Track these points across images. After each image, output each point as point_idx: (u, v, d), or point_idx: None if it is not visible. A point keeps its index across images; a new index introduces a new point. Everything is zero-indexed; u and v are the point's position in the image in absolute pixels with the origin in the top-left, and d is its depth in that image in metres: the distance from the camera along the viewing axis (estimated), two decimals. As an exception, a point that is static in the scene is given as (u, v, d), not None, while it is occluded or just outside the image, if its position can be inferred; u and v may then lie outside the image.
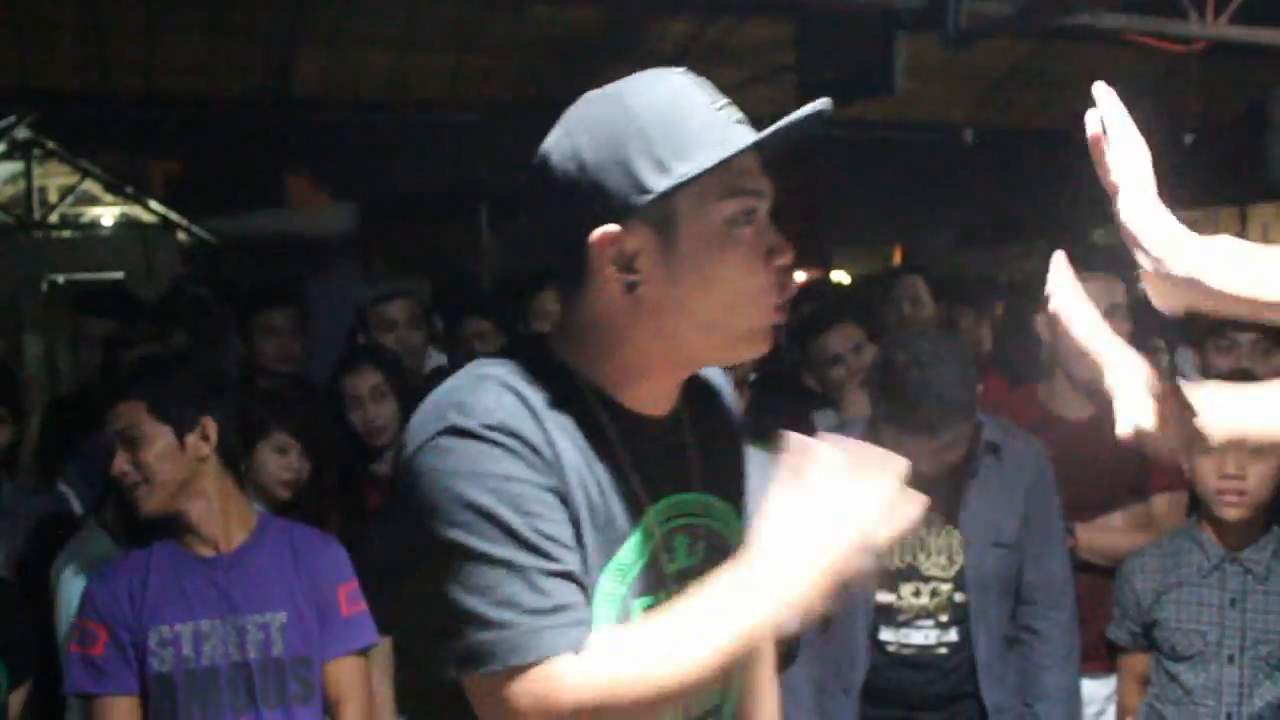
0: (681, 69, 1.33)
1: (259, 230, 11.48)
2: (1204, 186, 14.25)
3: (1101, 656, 2.84)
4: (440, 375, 3.29)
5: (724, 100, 1.31)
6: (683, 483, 1.40)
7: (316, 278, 6.54)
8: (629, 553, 1.32)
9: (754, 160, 1.31)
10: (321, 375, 3.58)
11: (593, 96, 1.33)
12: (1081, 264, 2.96)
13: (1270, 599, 2.55)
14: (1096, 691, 2.88)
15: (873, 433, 2.43)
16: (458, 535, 1.19)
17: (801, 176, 14.02)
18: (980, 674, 2.54)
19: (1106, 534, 3.03)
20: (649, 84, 1.31)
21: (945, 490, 2.52)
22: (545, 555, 1.20)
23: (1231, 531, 2.62)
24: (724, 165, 1.25)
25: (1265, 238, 17.67)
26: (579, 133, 1.29)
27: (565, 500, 1.25)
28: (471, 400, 1.25)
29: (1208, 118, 12.64)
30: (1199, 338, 3.49)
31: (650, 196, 1.25)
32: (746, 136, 1.28)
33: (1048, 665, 2.61)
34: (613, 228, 1.26)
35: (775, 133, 1.26)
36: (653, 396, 1.37)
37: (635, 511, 1.32)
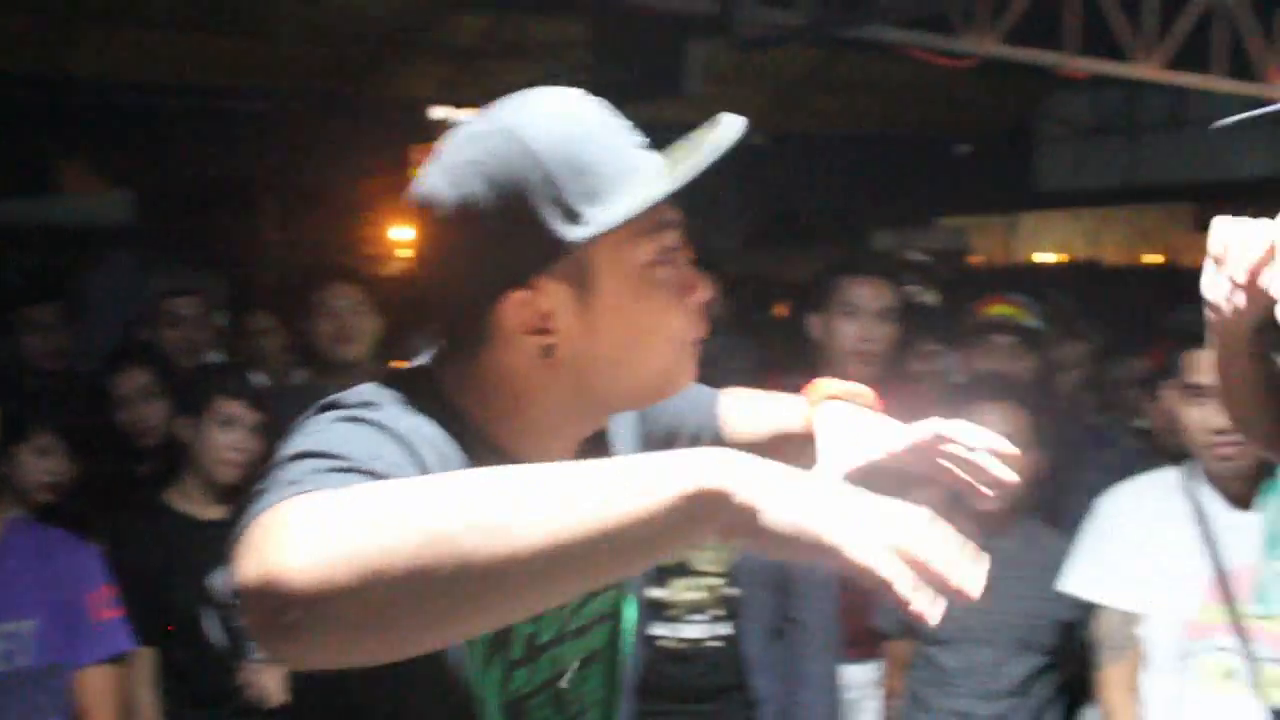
0: (574, 89, 1.19)
1: (29, 217, 10.90)
2: (976, 195, 15.01)
3: (864, 643, 2.96)
4: (209, 370, 3.22)
5: (623, 121, 1.18)
6: None
7: (93, 268, 6.26)
8: (516, 638, 1.17)
9: None
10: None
11: (478, 133, 1.14)
12: (856, 268, 3.13)
13: (1020, 585, 2.71)
14: (859, 677, 3.01)
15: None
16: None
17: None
18: (749, 665, 2.64)
19: None
20: (546, 115, 1.14)
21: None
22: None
23: (984, 522, 2.78)
24: (640, 211, 1.10)
25: (1032, 245, 18.67)
26: (469, 179, 1.11)
27: None
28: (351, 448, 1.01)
29: (980, 131, 13.30)
30: (962, 338, 3.68)
31: (561, 252, 1.10)
32: (658, 167, 1.15)
33: (810, 654, 2.72)
34: (524, 293, 1.11)
35: (697, 171, 1.10)
36: (558, 454, 1.18)
37: None
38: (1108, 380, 4.21)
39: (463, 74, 8.84)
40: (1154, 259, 17.42)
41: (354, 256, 10.65)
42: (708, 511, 0.85)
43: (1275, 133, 11.92)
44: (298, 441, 1.00)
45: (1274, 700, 2.34)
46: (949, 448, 1.35)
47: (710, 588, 2.63)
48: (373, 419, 1.04)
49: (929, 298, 6.47)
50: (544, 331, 1.13)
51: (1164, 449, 3.14)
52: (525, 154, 1.10)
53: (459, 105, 9.04)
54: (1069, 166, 14.71)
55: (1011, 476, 1.32)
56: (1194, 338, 2.52)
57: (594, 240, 1.10)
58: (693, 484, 0.85)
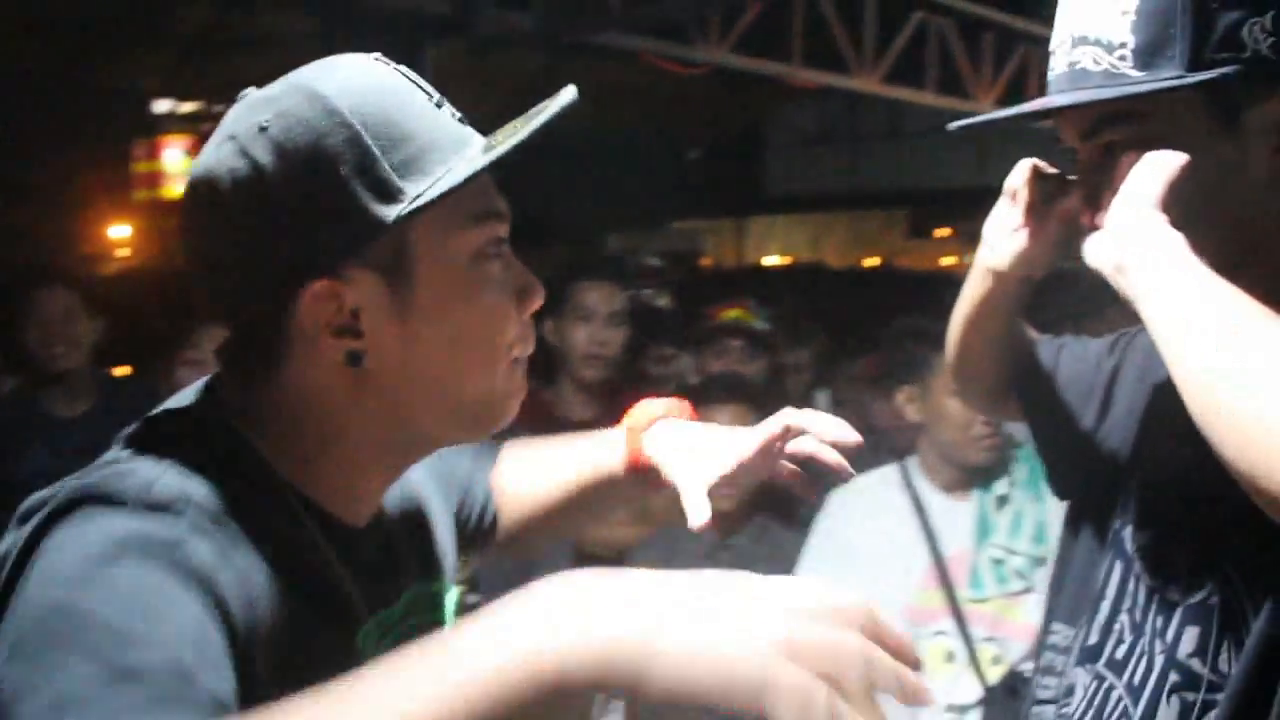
0: (377, 55, 0.98)
1: None
2: (708, 199, 15.45)
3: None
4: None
5: (438, 95, 0.98)
6: (394, 591, 1.05)
7: None
8: None
9: (489, 175, 0.98)
10: None
11: (270, 96, 0.93)
12: (589, 271, 3.16)
13: (754, 580, 2.80)
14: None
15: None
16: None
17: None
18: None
19: (608, 527, 3.20)
20: (353, 75, 0.94)
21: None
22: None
23: (721, 521, 2.85)
24: (468, 182, 0.92)
25: (761, 248, 19.36)
26: (259, 148, 0.90)
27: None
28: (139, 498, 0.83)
29: (712, 136, 13.71)
30: (696, 342, 3.77)
31: (377, 233, 0.90)
32: (482, 142, 0.98)
33: None
34: (327, 283, 0.91)
35: (533, 135, 0.94)
36: (368, 498, 1.03)
37: (347, 638, 0.96)
38: (838, 380, 4.40)
39: (186, 66, 8.46)
40: (872, 262, 18.37)
41: (69, 256, 10.04)
42: (572, 691, 0.66)
43: (984, 146, 12.75)
44: (63, 594, 0.75)
45: (991, 678, 2.49)
46: (798, 441, 1.22)
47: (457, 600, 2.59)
48: (172, 556, 0.80)
49: (662, 301, 6.61)
50: (351, 334, 0.93)
51: (891, 447, 3.30)
52: (330, 115, 0.90)
53: (182, 98, 8.66)
54: (795, 172, 15.34)
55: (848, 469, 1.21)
56: (921, 338, 2.67)
57: (414, 219, 0.91)
58: (542, 669, 0.66)
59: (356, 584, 0.97)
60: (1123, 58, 0.99)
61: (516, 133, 0.94)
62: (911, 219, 21.86)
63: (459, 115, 0.99)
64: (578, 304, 3.06)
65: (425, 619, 1.09)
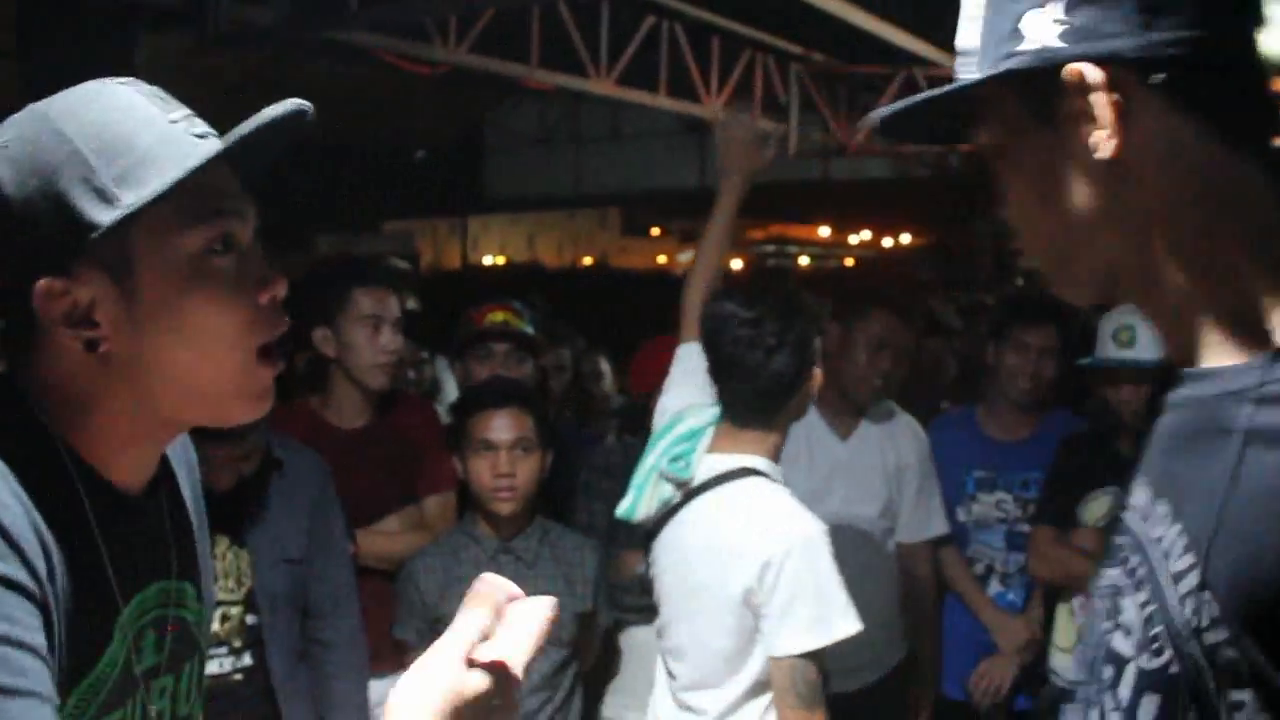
0: (129, 79, 1.13)
1: None
2: (432, 198, 15.32)
3: (388, 657, 2.94)
4: None
5: (183, 111, 1.11)
6: (161, 569, 1.17)
7: None
8: (105, 663, 1.08)
9: (230, 177, 1.12)
10: None
11: (18, 119, 1.09)
12: (362, 279, 3.10)
13: (540, 582, 2.80)
14: (385, 691, 2.98)
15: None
16: None
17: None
18: (278, 694, 2.53)
19: (384, 539, 3.15)
20: (83, 100, 1.09)
21: (229, 508, 2.47)
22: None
23: (504, 524, 2.85)
24: (184, 187, 1.04)
25: (479, 248, 19.30)
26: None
27: (47, 615, 0.99)
28: None
29: (435, 137, 13.58)
30: (459, 348, 3.75)
31: (94, 235, 1.04)
32: (208, 149, 1.08)
33: (338, 675, 2.67)
34: (55, 281, 1.05)
35: (240, 139, 1.06)
36: (136, 466, 1.15)
37: (110, 612, 1.09)
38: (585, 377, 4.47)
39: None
40: (587, 261, 18.68)
41: None
42: None
43: (703, 148, 13.15)
44: None
45: None
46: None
47: (228, 617, 2.49)
48: None
49: (411, 304, 6.51)
50: (86, 324, 1.06)
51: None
52: (54, 134, 1.05)
53: None
54: (516, 174, 15.39)
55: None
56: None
57: (127, 222, 1.03)
58: None
59: (121, 550, 1.09)
60: (967, 65, 1.00)
61: (235, 133, 1.06)
62: (624, 217, 22.35)
63: (201, 130, 1.10)
64: (358, 310, 3.00)
65: (173, 614, 1.18)
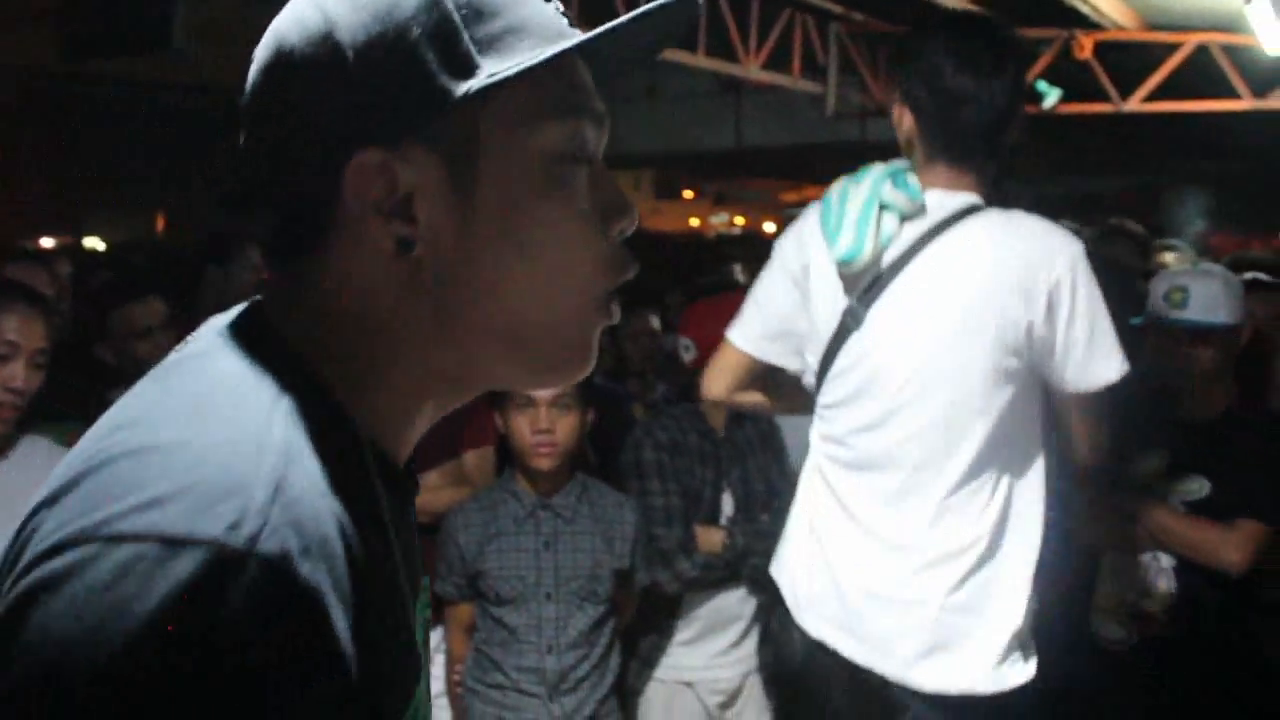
0: None
1: None
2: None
3: (425, 610, 2.96)
4: None
5: None
6: (420, 560, 0.91)
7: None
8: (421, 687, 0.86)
9: (588, 75, 0.88)
10: None
11: None
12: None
13: (578, 539, 2.81)
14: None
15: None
16: None
17: (46, 131, 12.94)
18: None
19: (426, 493, 3.16)
20: None
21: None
22: None
23: (543, 481, 2.85)
24: (550, 71, 0.83)
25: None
26: (334, 3, 0.82)
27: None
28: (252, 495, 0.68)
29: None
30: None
31: (443, 105, 0.81)
32: (586, 34, 0.85)
33: None
34: (377, 154, 0.80)
35: (618, 28, 0.84)
36: (408, 441, 0.88)
37: (411, 628, 0.83)
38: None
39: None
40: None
41: None
42: None
43: (739, 108, 13.10)
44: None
45: None
46: None
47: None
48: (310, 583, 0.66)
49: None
50: (402, 218, 0.81)
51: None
52: None
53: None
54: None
55: None
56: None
57: (486, 101, 0.81)
58: None
59: (405, 552, 0.83)
60: None
61: (622, 19, 0.84)
62: (659, 179, 22.23)
63: (562, 9, 0.88)
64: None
65: (429, 614, 0.95)
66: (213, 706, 0.61)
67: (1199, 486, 2.87)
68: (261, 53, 0.85)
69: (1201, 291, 2.90)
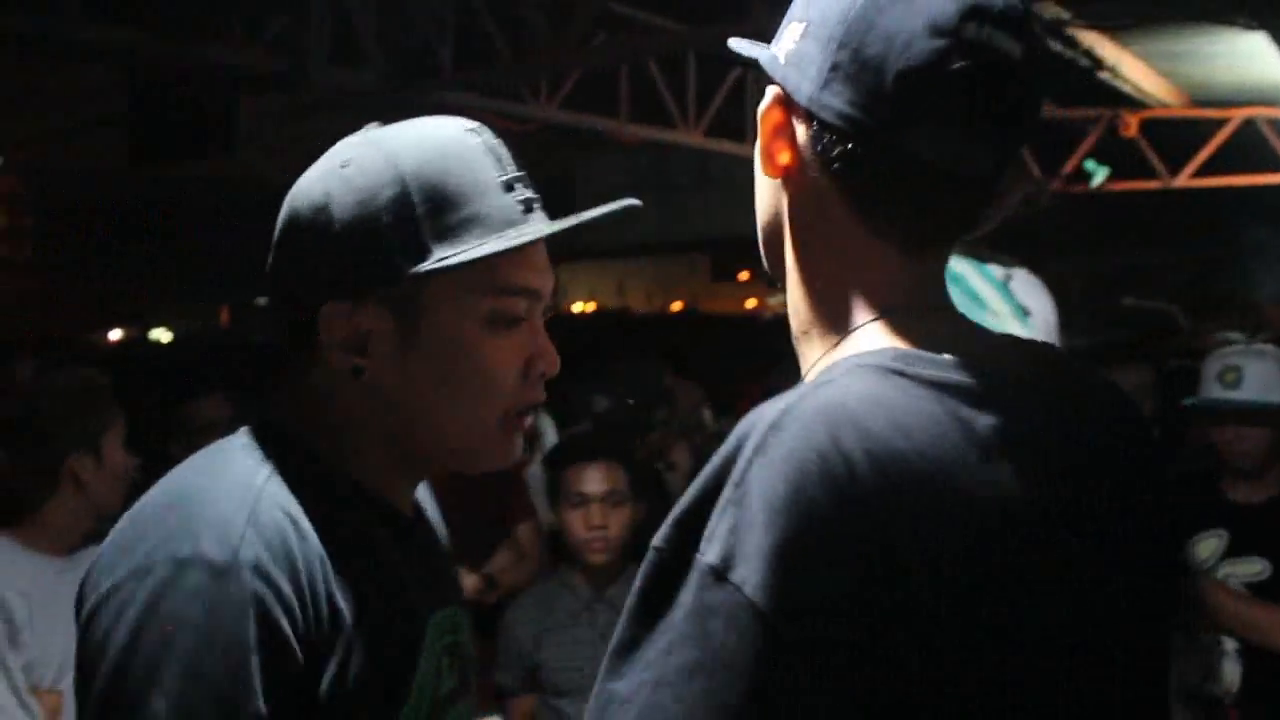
0: (477, 125, 1.15)
1: None
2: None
3: (484, 700, 2.98)
4: None
5: (514, 171, 1.13)
6: (447, 594, 1.23)
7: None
8: (418, 686, 1.12)
9: (541, 250, 1.14)
10: None
11: (358, 140, 1.14)
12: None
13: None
14: (483, 738, 3.03)
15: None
16: None
17: (115, 229, 13.29)
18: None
19: (512, 573, 3.31)
20: (425, 138, 1.12)
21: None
22: None
23: (597, 575, 2.88)
24: (494, 257, 1.08)
25: (567, 294, 19.41)
26: (333, 181, 1.10)
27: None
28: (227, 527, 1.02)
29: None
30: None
31: (396, 279, 1.07)
32: (531, 224, 1.11)
33: None
34: (343, 304, 1.09)
35: (563, 230, 1.10)
36: (403, 493, 1.20)
37: (415, 636, 1.13)
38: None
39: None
40: (676, 306, 18.70)
41: None
42: None
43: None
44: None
45: None
46: None
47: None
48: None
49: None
50: (357, 351, 1.10)
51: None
52: (389, 169, 1.08)
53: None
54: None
55: None
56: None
57: (425, 278, 1.07)
58: None
59: (413, 574, 1.14)
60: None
61: (558, 223, 1.11)
62: (713, 264, 22.33)
63: (528, 197, 1.13)
64: None
65: (460, 640, 1.21)
66: (219, 650, 0.97)
67: (1261, 569, 2.84)
68: (285, 205, 1.13)
69: (1256, 371, 2.89)
